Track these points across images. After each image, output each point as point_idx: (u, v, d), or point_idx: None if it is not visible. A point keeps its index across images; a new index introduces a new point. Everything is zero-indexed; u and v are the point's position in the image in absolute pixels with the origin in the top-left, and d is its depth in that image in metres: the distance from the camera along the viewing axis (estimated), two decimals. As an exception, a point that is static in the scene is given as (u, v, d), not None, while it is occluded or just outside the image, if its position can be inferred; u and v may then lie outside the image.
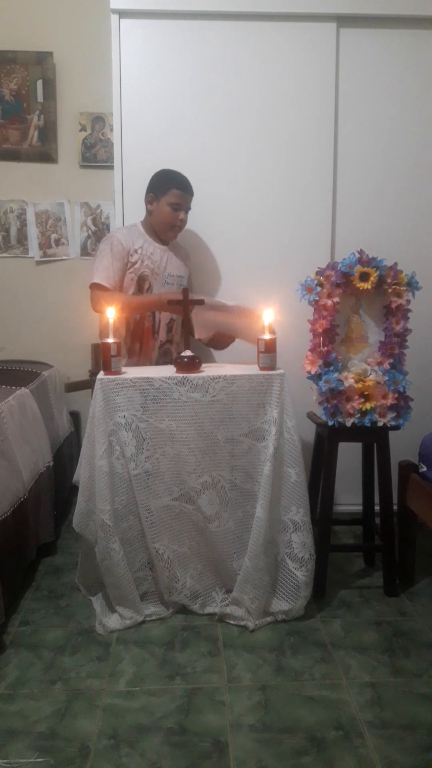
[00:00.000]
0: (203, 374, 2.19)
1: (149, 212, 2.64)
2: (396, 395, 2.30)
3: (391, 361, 2.31)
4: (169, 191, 2.57)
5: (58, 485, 2.86)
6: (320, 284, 2.25)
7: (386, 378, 2.30)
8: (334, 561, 2.64)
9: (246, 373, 2.22)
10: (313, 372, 2.31)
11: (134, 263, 2.56)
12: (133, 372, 2.27)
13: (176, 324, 2.66)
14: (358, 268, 2.25)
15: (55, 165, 3.18)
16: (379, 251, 2.33)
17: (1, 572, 2.13)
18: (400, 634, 2.19)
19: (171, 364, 2.65)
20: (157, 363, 2.63)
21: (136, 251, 2.57)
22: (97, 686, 1.92)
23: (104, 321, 2.44)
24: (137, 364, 2.58)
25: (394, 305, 2.29)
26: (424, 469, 2.40)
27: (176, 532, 2.24)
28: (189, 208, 2.63)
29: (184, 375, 2.19)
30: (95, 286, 2.53)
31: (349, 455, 2.68)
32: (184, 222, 2.62)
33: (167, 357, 2.65)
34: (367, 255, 2.27)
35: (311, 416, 2.46)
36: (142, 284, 2.58)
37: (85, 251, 3.22)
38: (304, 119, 2.92)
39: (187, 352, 2.25)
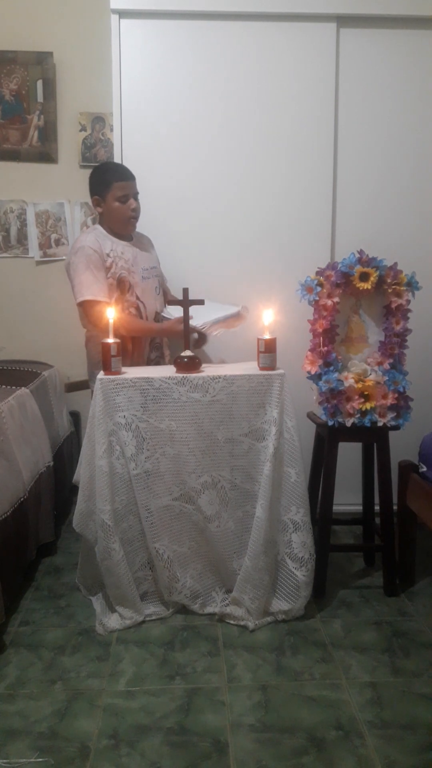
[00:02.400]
0: (203, 374, 2.19)
1: (101, 215, 2.56)
2: (396, 395, 2.30)
3: (391, 361, 2.31)
4: (110, 186, 2.48)
5: (58, 485, 2.86)
6: (320, 284, 2.25)
7: (386, 378, 2.30)
8: (334, 561, 2.64)
9: (246, 373, 2.22)
10: (313, 372, 2.31)
11: (109, 268, 2.48)
12: (133, 372, 2.27)
13: (160, 316, 2.64)
14: (358, 268, 2.25)
15: (55, 165, 3.18)
16: (379, 251, 2.33)
17: (1, 572, 2.13)
18: (400, 634, 2.19)
19: (162, 357, 2.65)
20: (149, 358, 2.63)
21: (108, 255, 2.49)
22: (97, 686, 1.93)
23: (92, 330, 2.47)
24: (131, 364, 2.53)
25: (394, 305, 2.29)
26: (424, 469, 2.40)
27: (176, 532, 2.24)
28: (137, 193, 2.54)
29: (184, 375, 2.19)
30: (89, 303, 2.42)
31: (349, 455, 2.67)
32: (137, 210, 2.54)
33: (158, 351, 2.66)
34: (367, 255, 2.27)
35: (311, 416, 2.46)
36: (122, 286, 2.51)
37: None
38: (304, 119, 2.92)
39: (187, 352, 2.25)
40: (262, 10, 2.82)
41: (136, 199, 2.53)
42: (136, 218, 2.56)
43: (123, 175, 2.51)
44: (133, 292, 2.54)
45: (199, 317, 2.37)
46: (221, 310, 2.47)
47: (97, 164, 3.10)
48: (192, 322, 2.30)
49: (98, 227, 2.58)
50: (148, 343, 2.63)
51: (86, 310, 2.46)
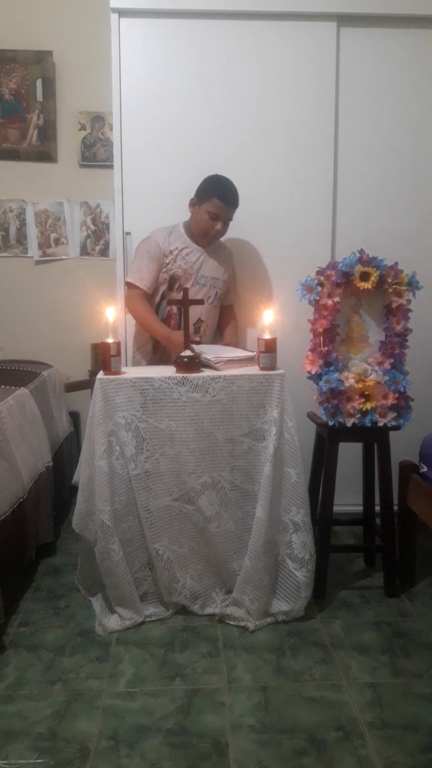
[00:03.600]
0: (203, 374, 2.19)
1: (191, 215, 2.64)
2: (396, 395, 2.29)
3: (392, 361, 2.31)
4: (211, 200, 2.54)
5: (57, 485, 2.85)
6: (321, 284, 2.25)
7: (387, 378, 2.29)
8: (335, 561, 2.64)
9: (246, 373, 2.21)
10: (313, 372, 2.30)
11: (167, 264, 2.60)
12: (132, 372, 2.27)
13: (204, 325, 2.68)
14: (359, 268, 2.25)
15: (54, 164, 3.17)
16: (380, 251, 2.33)
17: (1, 573, 2.12)
18: (400, 634, 2.19)
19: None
20: None
21: (171, 252, 2.59)
22: (97, 687, 1.92)
23: (139, 317, 2.58)
24: (161, 359, 2.65)
25: (394, 305, 2.29)
26: (425, 469, 2.40)
27: (176, 533, 2.23)
28: (230, 219, 2.60)
29: (184, 375, 2.18)
30: (128, 285, 2.62)
31: (349, 455, 2.67)
32: (220, 233, 2.61)
33: None
34: (368, 254, 2.26)
35: (311, 416, 2.45)
36: (173, 284, 2.62)
37: (84, 251, 3.22)
38: (304, 119, 2.91)
39: (187, 352, 2.25)
40: (262, 9, 2.81)
41: (225, 224, 2.60)
42: (215, 237, 2.63)
43: (225, 197, 2.55)
44: (180, 292, 2.58)
45: (213, 353, 2.39)
46: (237, 352, 2.49)
47: (97, 163, 3.10)
48: (206, 355, 2.31)
49: (180, 225, 2.68)
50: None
51: (126, 290, 2.66)
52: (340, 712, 1.81)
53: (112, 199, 3.07)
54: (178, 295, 2.59)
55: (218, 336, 2.83)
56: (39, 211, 3.19)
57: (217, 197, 2.53)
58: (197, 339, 2.66)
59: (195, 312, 2.63)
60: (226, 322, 2.85)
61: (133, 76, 2.86)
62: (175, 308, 2.63)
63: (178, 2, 2.79)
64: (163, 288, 2.62)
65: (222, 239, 2.74)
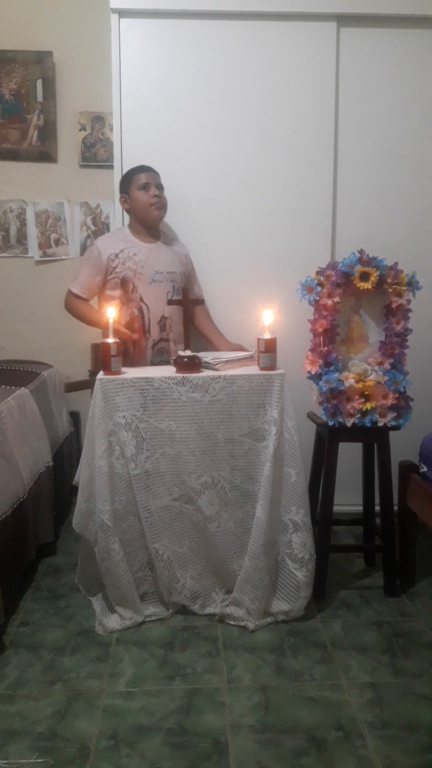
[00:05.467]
0: (203, 374, 2.19)
1: (129, 212, 2.69)
2: (396, 395, 2.29)
3: (392, 361, 2.31)
4: (133, 180, 2.63)
5: (57, 485, 2.86)
6: (320, 284, 2.25)
7: (387, 378, 2.29)
8: (335, 561, 2.63)
9: (246, 373, 2.22)
10: (313, 372, 2.31)
11: (115, 268, 2.60)
12: (132, 372, 2.27)
13: (169, 321, 2.66)
14: (359, 268, 2.25)
15: (54, 165, 3.18)
16: (380, 251, 2.33)
17: (1, 572, 2.13)
18: (400, 634, 2.19)
19: (167, 362, 2.66)
20: (153, 362, 2.64)
21: (117, 256, 2.60)
22: (97, 687, 1.92)
23: (104, 323, 2.48)
24: (132, 364, 2.57)
25: (394, 305, 2.29)
26: (425, 469, 2.40)
27: (176, 533, 2.23)
28: (160, 185, 2.66)
29: (184, 375, 2.18)
30: (68, 293, 2.67)
31: (349, 455, 2.67)
32: (160, 198, 2.65)
33: (163, 356, 2.66)
34: (368, 255, 2.27)
35: (311, 416, 2.45)
36: (126, 286, 2.61)
37: (84, 251, 3.22)
38: (304, 119, 2.92)
39: (187, 352, 2.25)
40: (262, 9, 2.81)
41: (158, 188, 2.64)
42: (158, 205, 2.64)
43: (140, 169, 2.66)
44: (137, 293, 2.60)
45: (211, 356, 2.39)
46: (235, 353, 2.50)
47: (97, 164, 3.13)
48: (205, 359, 2.31)
49: (123, 228, 2.73)
50: (152, 347, 2.63)
51: (66, 295, 2.69)
52: (340, 711, 1.81)
53: (112, 199, 3.08)
54: (135, 296, 2.60)
55: (200, 340, 2.82)
56: (39, 211, 3.19)
57: (135, 173, 2.65)
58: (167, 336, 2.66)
59: (158, 309, 2.61)
60: (200, 319, 2.83)
61: (133, 76, 2.86)
62: (136, 310, 2.61)
63: (178, 3, 2.79)
64: (117, 293, 2.61)
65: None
